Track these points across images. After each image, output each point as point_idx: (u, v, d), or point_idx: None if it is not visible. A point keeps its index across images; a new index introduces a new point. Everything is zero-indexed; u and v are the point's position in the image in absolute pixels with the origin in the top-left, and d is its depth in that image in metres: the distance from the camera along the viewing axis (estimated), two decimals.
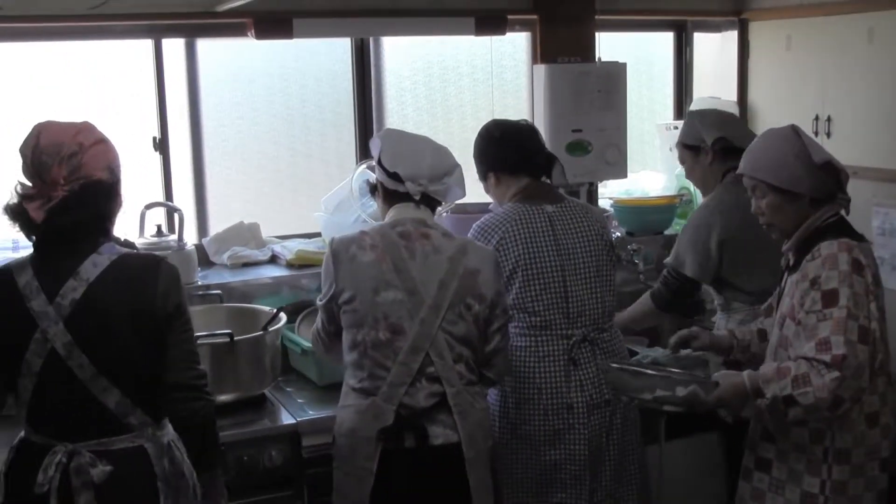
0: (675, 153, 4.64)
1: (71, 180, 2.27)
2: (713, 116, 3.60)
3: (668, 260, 3.59)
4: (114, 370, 2.31)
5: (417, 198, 2.74)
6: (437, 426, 2.66)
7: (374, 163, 2.82)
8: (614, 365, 2.78)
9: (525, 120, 3.33)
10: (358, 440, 2.66)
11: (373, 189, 2.90)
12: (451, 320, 2.67)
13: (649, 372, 2.68)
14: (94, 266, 2.30)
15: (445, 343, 2.67)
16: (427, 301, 2.66)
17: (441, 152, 2.80)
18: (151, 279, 2.34)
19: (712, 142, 3.47)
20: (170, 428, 2.43)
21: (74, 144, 2.29)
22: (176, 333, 2.38)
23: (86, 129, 2.35)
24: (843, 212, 2.69)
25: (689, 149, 3.58)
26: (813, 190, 2.63)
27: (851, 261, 2.55)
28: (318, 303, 2.82)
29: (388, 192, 2.79)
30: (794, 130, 2.68)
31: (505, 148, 3.16)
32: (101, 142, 2.35)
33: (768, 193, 2.67)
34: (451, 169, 2.79)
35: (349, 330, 2.71)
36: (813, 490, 2.63)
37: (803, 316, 2.54)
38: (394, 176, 2.74)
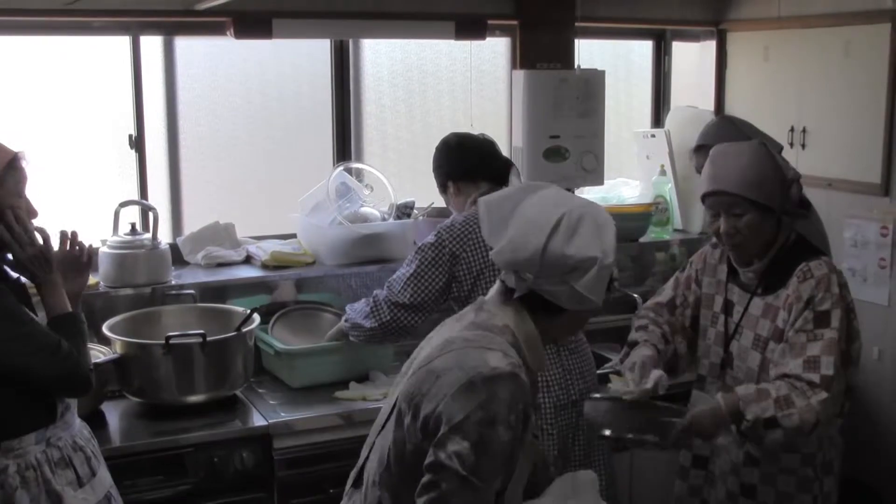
0: (651, 161, 4.68)
1: None
2: (704, 129, 3.52)
3: None
4: None
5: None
6: None
7: None
8: (597, 395, 2.66)
9: (483, 134, 3.34)
10: None
11: None
12: (390, 425, 2.01)
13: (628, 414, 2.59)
14: None
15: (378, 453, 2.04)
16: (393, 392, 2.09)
17: None
18: None
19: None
20: (21, 454, 2.37)
21: None
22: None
23: None
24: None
25: None
26: (781, 207, 2.59)
27: (840, 281, 2.56)
28: None
29: None
30: (765, 145, 2.65)
31: (462, 155, 3.19)
32: None
33: (750, 211, 2.55)
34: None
35: None
36: None
37: (792, 334, 2.52)
38: None
